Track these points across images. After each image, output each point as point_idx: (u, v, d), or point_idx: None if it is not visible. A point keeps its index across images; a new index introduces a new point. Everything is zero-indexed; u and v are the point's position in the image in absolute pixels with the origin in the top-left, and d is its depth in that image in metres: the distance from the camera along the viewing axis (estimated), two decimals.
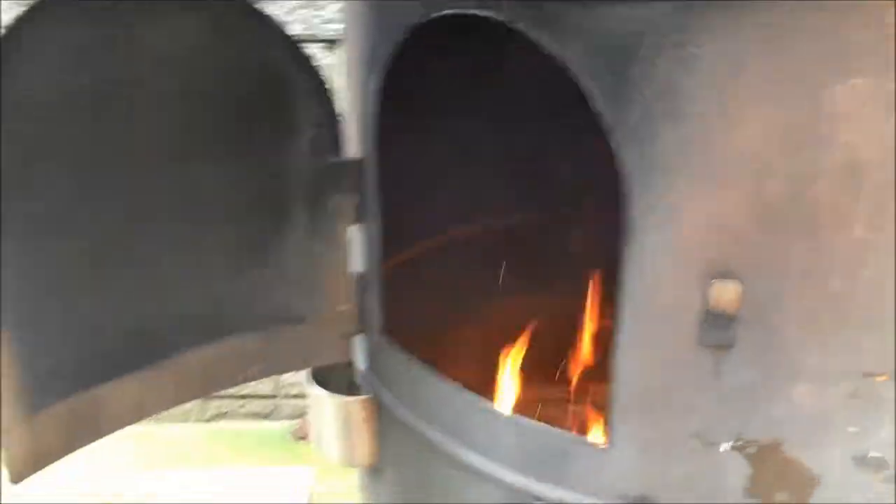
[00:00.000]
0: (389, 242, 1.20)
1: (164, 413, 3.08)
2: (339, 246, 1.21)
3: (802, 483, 0.95)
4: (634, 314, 0.93)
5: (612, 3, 0.83)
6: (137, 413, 1.13)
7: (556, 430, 1.03)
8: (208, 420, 3.16)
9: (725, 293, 0.88)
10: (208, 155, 1.09)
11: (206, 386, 1.19)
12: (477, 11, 0.92)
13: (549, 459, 1.04)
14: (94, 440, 1.08)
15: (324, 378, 1.31)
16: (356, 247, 1.22)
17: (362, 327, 1.26)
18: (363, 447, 1.29)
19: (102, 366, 1.07)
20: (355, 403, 1.27)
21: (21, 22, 0.88)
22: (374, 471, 1.33)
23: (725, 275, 0.88)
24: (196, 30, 1.02)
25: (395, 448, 1.26)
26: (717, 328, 0.90)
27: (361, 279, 1.24)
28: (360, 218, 1.20)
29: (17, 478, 1.01)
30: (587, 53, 0.86)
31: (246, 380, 1.23)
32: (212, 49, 1.04)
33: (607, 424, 0.98)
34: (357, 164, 1.17)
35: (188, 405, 3.08)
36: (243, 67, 1.08)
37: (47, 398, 1.03)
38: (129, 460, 2.75)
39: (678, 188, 0.87)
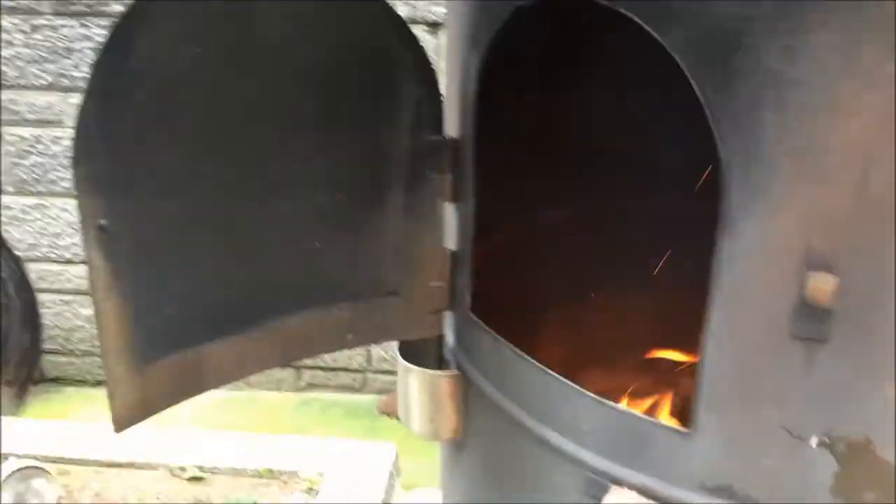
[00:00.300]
0: (483, 222, 1.22)
1: (260, 380, 3.21)
2: (435, 223, 1.24)
3: (892, 484, 0.93)
4: (726, 303, 0.92)
5: None
6: (238, 371, 1.18)
7: (640, 415, 1.04)
8: (300, 390, 3.26)
9: (822, 286, 0.86)
10: (312, 128, 1.13)
11: (302, 350, 1.24)
12: None
13: (630, 443, 1.05)
14: (196, 394, 1.14)
15: (413, 352, 1.34)
16: (450, 225, 1.24)
17: (453, 304, 1.28)
18: (447, 421, 1.32)
19: (207, 325, 1.13)
20: (442, 378, 1.30)
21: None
22: (457, 445, 1.36)
23: (823, 267, 0.86)
24: (306, 6, 1.06)
25: (478, 424, 1.29)
26: (811, 321, 0.88)
27: (454, 257, 1.26)
28: (455, 196, 1.22)
29: (120, 427, 1.08)
30: (692, 39, 0.86)
31: (340, 347, 1.27)
32: (320, 25, 1.08)
33: (692, 412, 0.98)
34: (455, 143, 1.19)
35: (282, 374, 3.20)
36: (350, 45, 1.11)
37: (155, 352, 1.09)
38: (222, 422, 2.87)
39: (779, 178, 0.86)
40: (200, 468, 2.54)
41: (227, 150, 1.08)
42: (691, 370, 1.10)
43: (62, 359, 3.23)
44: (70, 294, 3.12)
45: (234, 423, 2.88)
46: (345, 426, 3.00)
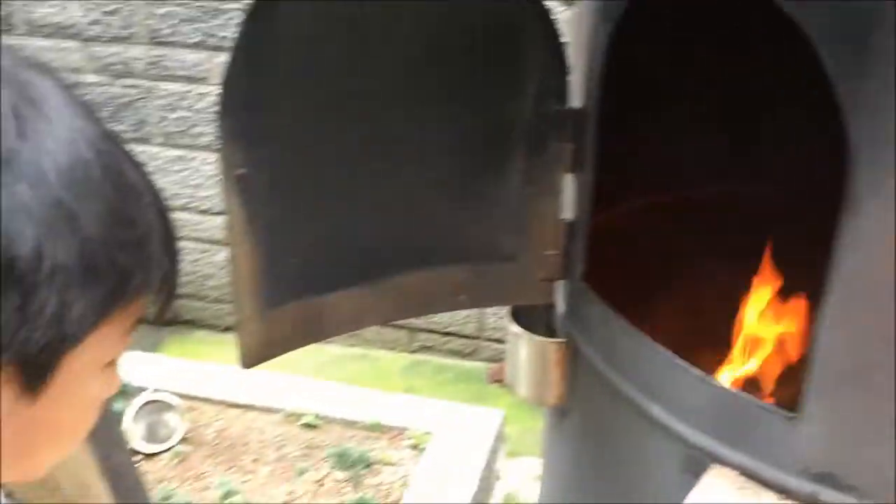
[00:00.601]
0: (600, 195, 1.23)
1: (375, 339, 3.30)
2: (553, 192, 1.26)
3: None
4: (845, 288, 0.91)
5: None
6: (356, 323, 1.24)
7: (747, 395, 1.04)
8: (413, 351, 3.34)
9: None
10: (439, 95, 1.17)
11: (417, 308, 1.29)
12: None
13: (734, 423, 1.05)
14: (317, 340, 1.21)
15: (524, 317, 1.37)
16: (568, 195, 1.26)
17: (566, 273, 1.30)
18: (553, 387, 1.34)
19: (330, 276, 1.19)
20: (550, 345, 1.32)
21: None
22: (561, 412, 1.38)
23: None
24: None
25: (583, 392, 1.31)
26: None
27: (570, 227, 1.28)
28: (575, 167, 1.24)
29: (246, 364, 1.16)
30: (827, 18, 0.84)
31: (453, 308, 1.31)
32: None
33: (801, 397, 0.97)
34: (579, 114, 1.20)
35: (397, 334, 3.29)
36: (479, 15, 1.14)
37: (281, 298, 1.16)
38: (338, 376, 2.99)
39: None
40: (315, 416, 2.66)
41: (358, 112, 1.13)
42: (802, 354, 1.08)
43: (196, 303, 3.43)
44: (206, 243, 3.30)
45: (348, 378, 2.99)
46: (453, 390, 3.06)
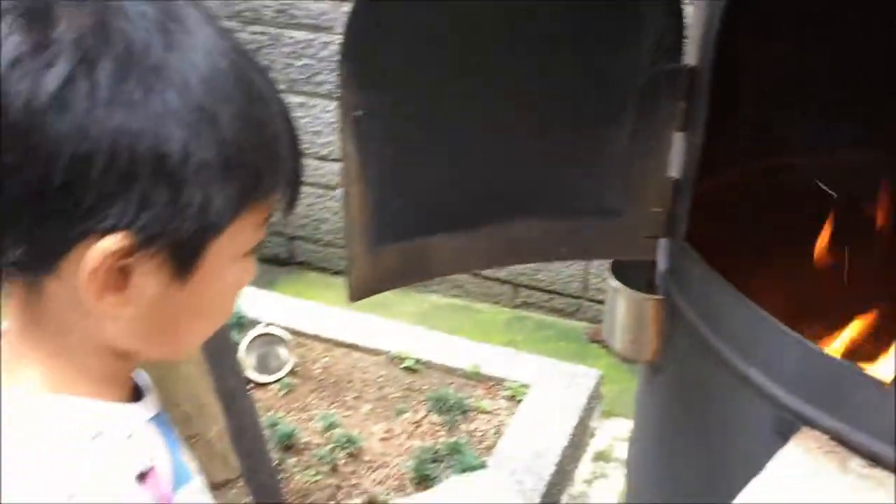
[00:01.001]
0: (707, 159, 1.23)
1: (478, 292, 3.35)
2: (662, 150, 1.26)
3: None
4: None
5: None
6: (458, 266, 1.30)
7: (844, 362, 1.04)
8: (515, 307, 3.39)
9: None
10: (554, 46, 1.19)
11: (517, 256, 1.33)
12: None
13: (829, 388, 1.05)
14: (420, 280, 1.27)
15: (625, 273, 1.39)
16: (676, 153, 1.26)
17: (669, 231, 1.31)
18: (648, 343, 1.36)
19: (435, 220, 1.24)
20: (648, 301, 1.34)
21: None
22: (655, 369, 1.40)
23: None
24: None
25: (678, 350, 1.33)
26: None
27: (676, 185, 1.28)
28: (685, 126, 1.24)
29: (354, 297, 1.23)
30: None
31: (552, 259, 1.35)
32: None
33: None
34: (693, 72, 1.20)
35: (500, 289, 3.34)
36: None
37: (388, 237, 1.22)
38: (440, 325, 3.06)
39: None
40: (416, 360, 2.75)
41: (471, 62, 1.17)
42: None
43: (310, 246, 3.56)
44: (323, 188, 3.42)
45: (450, 329, 3.06)
46: (553, 347, 3.10)
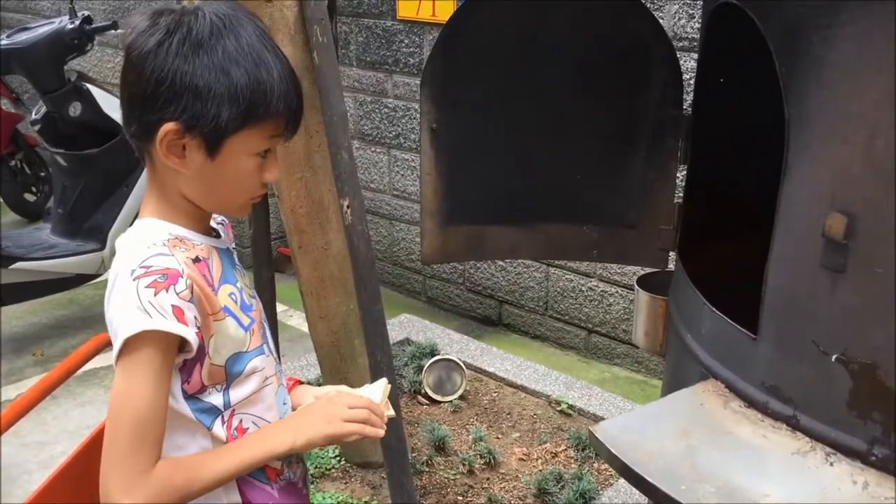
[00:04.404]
0: (700, 187, 1.58)
1: (657, 369, 3.58)
2: (668, 178, 1.63)
3: (891, 409, 1.11)
4: (782, 233, 1.21)
5: None
6: (510, 253, 1.74)
7: (730, 322, 1.33)
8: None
9: (836, 224, 1.11)
10: (586, 91, 1.63)
11: (558, 253, 1.74)
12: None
13: (725, 345, 1.35)
14: (479, 259, 1.74)
15: (649, 280, 1.74)
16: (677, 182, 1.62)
17: (675, 245, 1.66)
18: (657, 337, 1.70)
19: (490, 212, 1.71)
20: (656, 301, 1.68)
21: None
22: (665, 357, 1.72)
23: (840, 210, 1.11)
24: (587, 4, 1.57)
25: (670, 341, 1.65)
26: (833, 253, 1.13)
27: (680, 208, 1.64)
28: (685, 160, 1.61)
29: (426, 261, 1.71)
30: (774, 30, 1.18)
31: (586, 258, 1.74)
32: (596, 22, 1.58)
33: (759, 320, 1.26)
34: (689, 119, 1.58)
35: None
36: (616, 37, 1.59)
37: (453, 220, 1.70)
38: (614, 391, 3.35)
39: (816, 137, 1.14)
40: (571, 406, 3.11)
41: (523, 94, 1.64)
42: None
43: (515, 310, 4.06)
44: (528, 264, 3.92)
45: (622, 395, 3.35)
46: None
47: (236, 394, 1.20)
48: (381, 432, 1.23)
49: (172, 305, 1.08)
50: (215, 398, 1.18)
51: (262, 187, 1.22)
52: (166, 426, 1.12)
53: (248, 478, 1.23)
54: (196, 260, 1.15)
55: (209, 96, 1.09)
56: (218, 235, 1.27)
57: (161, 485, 1.08)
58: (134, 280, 1.08)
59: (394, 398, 2.31)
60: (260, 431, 1.21)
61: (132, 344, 1.07)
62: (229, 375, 1.19)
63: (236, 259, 1.30)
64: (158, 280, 1.08)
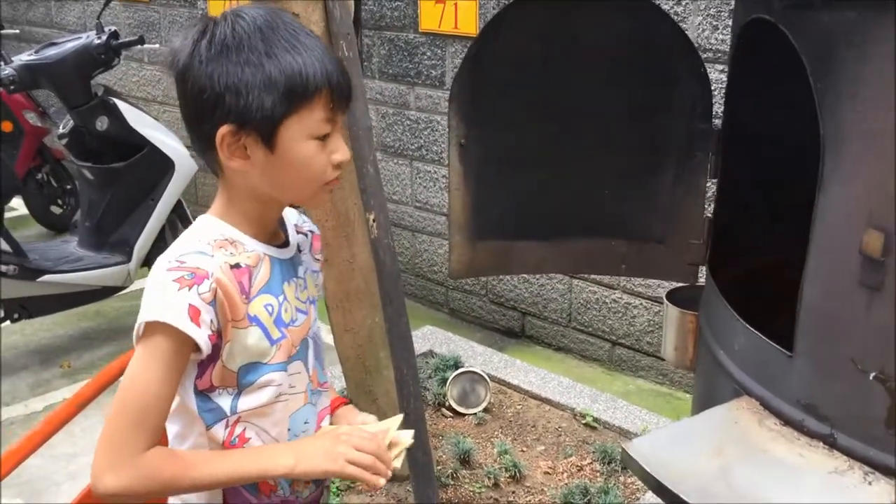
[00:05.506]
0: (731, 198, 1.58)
1: (684, 381, 3.56)
2: (697, 192, 1.63)
3: None
4: (818, 250, 1.20)
5: (818, 11, 1.14)
6: (536, 268, 1.73)
7: (764, 339, 1.32)
8: None
9: (873, 241, 1.11)
10: (614, 107, 1.63)
11: (586, 267, 1.74)
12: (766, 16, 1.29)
13: (759, 362, 1.34)
14: (506, 273, 1.74)
15: (678, 294, 1.73)
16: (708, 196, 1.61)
17: (706, 260, 1.65)
18: (686, 352, 1.68)
19: (518, 227, 1.70)
20: (686, 316, 1.67)
21: (508, 8, 1.56)
22: (696, 373, 1.71)
23: (877, 227, 1.10)
24: (612, 19, 1.57)
25: (701, 356, 1.63)
26: (869, 270, 1.12)
27: (710, 223, 1.63)
28: (715, 174, 1.60)
29: (453, 276, 1.71)
30: (808, 46, 1.17)
31: (615, 273, 1.73)
32: (623, 34, 1.58)
33: (794, 338, 1.25)
34: (718, 132, 1.57)
35: None
36: (645, 53, 1.58)
37: (482, 235, 1.70)
38: (639, 404, 3.33)
39: (852, 153, 1.13)
40: (596, 419, 3.09)
41: (551, 109, 1.64)
42: None
43: (538, 322, 4.05)
44: (550, 276, 3.92)
45: (648, 408, 3.33)
46: None
47: (246, 402, 1.20)
48: (382, 482, 1.20)
49: (190, 304, 1.10)
50: (224, 401, 1.19)
51: (334, 171, 1.21)
52: (170, 411, 1.14)
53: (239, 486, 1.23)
54: (236, 266, 1.16)
55: (247, 90, 1.11)
56: (285, 244, 1.28)
57: (149, 471, 1.10)
58: (167, 271, 1.11)
59: (417, 412, 2.32)
60: (262, 448, 1.21)
61: (149, 330, 1.11)
62: (240, 383, 1.19)
63: (303, 272, 1.30)
64: (185, 277, 1.10)
